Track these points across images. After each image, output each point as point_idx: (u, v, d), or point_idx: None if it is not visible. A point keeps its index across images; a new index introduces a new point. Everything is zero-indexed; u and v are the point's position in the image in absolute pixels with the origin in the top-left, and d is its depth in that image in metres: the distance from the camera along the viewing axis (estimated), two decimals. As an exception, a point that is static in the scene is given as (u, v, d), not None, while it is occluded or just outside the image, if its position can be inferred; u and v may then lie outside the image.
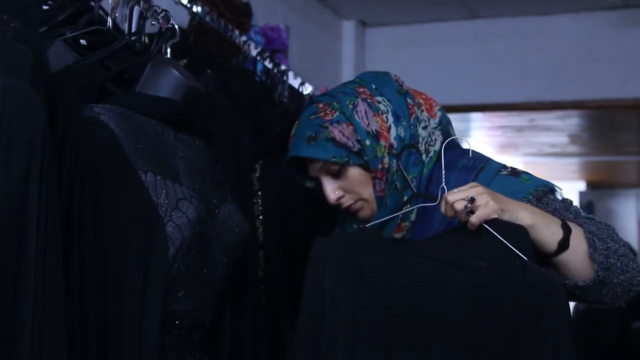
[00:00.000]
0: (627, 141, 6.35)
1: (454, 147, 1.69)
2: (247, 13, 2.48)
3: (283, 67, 2.47)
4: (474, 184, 1.49)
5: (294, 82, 2.57)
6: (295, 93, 2.55)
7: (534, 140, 6.29)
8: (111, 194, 1.36)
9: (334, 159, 1.62)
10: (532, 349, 1.35)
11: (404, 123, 1.65)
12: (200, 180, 1.57)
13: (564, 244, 1.48)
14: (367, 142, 1.61)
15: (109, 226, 1.36)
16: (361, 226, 1.66)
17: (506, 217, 1.44)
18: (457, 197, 1.44)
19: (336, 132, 1.61)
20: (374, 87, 1.68)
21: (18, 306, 1.16)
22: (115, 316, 1.35)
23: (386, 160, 1.62)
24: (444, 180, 1.52)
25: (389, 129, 1.63)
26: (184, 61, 2.01)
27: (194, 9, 2.12)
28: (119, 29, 1.73)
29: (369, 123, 1.62)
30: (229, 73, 2.15)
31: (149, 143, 1.47)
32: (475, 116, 5.29)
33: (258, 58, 2.40)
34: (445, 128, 1.72)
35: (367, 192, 1.64)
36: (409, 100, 1.68)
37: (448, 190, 1.49)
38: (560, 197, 1.61)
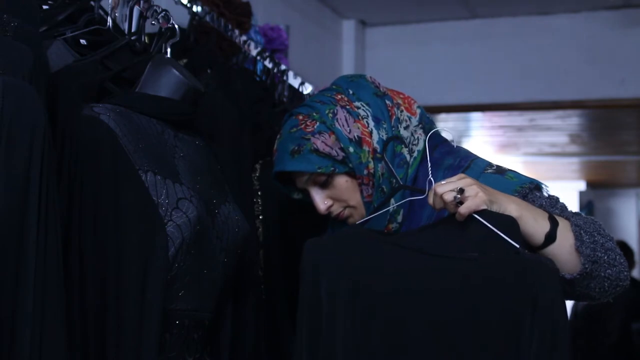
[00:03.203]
0: (627, 141, 6.34)
1: (440, 145, 1.70)
2: (247, 12, 2.48)
3: (283, 67, 2.47)
4: (462, 175, 1.49)
5: (294, 81, 2.57)
6: (295, 93, 2.55)
7: (534, 139, 6.29)
8: (111, 193, 1.36)
9: (319, 170, 1.62)
10: (530, 334, 1.35)
11: (385, 125, 1.64)
12: (200, 179, 1.57)
13: (551, 236, 1.48)
14: (351, 149, 1.61)
15: (109, 226, 1.36)
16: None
17: (494, 208, 1.45)
18: (446, 189, 1.44)
19: (319, 143, 1.61)
20: (351, 92, 1.68)
21: (18, 306, 1.16)
22: (115, 316, 1.35)
23: (371, 165, 1.62)
24: (430, 173, 1.52)
25: (370, 133, 1.63)
26: (184, 61, 2.01)
27: (194, 8, 2.12)
28: (119, 28, 1.73)
29: (350, 130, 1.62)
30: (229, 73, 2.15)
31: (149, 142, 1.47)
32: (475, 116, 5.29)
33: (258, 58, 2.40)
34: (427, 125, 1.72)
35: (355, 199, 1.64)
36: (387, 101, 1.68)
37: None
38: (546, 194, 1.62)
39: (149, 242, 1.38)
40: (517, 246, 1.38)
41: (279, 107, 2.33)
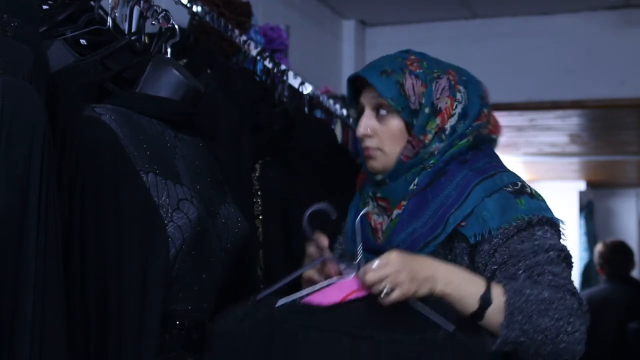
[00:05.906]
0: (627, 141, 6.34)
1: (482, 149, 1.70)
2: (247, 12, 2.48)
3: (283, 67, 2.47)
4: (391, 256, 1.45)
5: (294, 81, 2.57)
6: (295, 93, 2.55)
7: (534, 139, 6.28)
8: (112, 194, 1.36)
9: (389, 101, 1.62)
10: None
11: (466, 121, 1.66)
12: (200, 180, 1.57)
13: (477, 315, 1.48)
14: (427, 110, 1.63)
15: (109, 226, 1.36)
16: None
17: (422, 291, 1.44)
18: (373, 279, 1.42)
19: (408, 83, 1.63)
20: (464, 78, 1.70)
21: (18, 306, 1.16)
22: (116, 316, 1.35)
23: (430, 136, 1.63)
24: (359, 257, 1.48)
25: (451, 116, 1.65)
26: (184, 61, 2.01)
27: (194, 8, 2.11)
28: (119, 28, 1.73)
29: (439, 98, 1.64)
30: (229, 73, 2.15)
31: (149, 143, 1.47)
32: (476, 116, 5.29)
33: (258, 58, 2.40)
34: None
35: (393, 149, 1.64)
36: (484, 109, 1.70)
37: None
38: (550, 235, 1.56)
39: (150, 242, 1.38)
40: (448, 328, 1.37)
41: (279, 107, 2.33)
